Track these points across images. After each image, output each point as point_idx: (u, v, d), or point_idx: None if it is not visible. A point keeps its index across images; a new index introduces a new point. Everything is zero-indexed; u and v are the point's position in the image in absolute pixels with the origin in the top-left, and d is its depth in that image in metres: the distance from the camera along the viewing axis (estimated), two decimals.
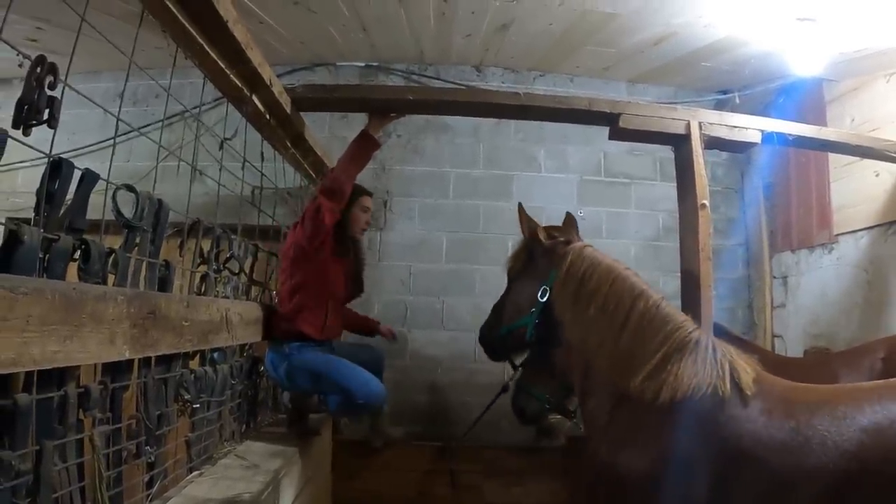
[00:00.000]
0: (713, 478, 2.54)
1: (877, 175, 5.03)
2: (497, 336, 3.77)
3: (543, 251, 3.50)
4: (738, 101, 6.18)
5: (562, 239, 3.50)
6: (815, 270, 5.83)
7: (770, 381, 2.81)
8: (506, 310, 3.71)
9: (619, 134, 4.04)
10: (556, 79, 6.47)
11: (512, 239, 6.06)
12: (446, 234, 6.23)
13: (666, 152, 6.06)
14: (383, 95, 4.05)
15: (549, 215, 6.13)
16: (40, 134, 1.97)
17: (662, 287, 5.98)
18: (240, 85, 3.22)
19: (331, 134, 6.09)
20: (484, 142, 6.46)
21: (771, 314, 6.41)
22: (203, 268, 3.33)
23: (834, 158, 5.54)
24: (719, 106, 6.24)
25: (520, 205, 3.69)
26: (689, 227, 3.88)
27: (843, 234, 5.45)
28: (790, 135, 4.18)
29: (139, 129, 3.05)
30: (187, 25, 2.64)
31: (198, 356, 3.22)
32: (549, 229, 3.60)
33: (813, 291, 5.84)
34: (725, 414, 2.65)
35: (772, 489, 2.34)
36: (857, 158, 5.05)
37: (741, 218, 6.80)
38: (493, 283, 5.77)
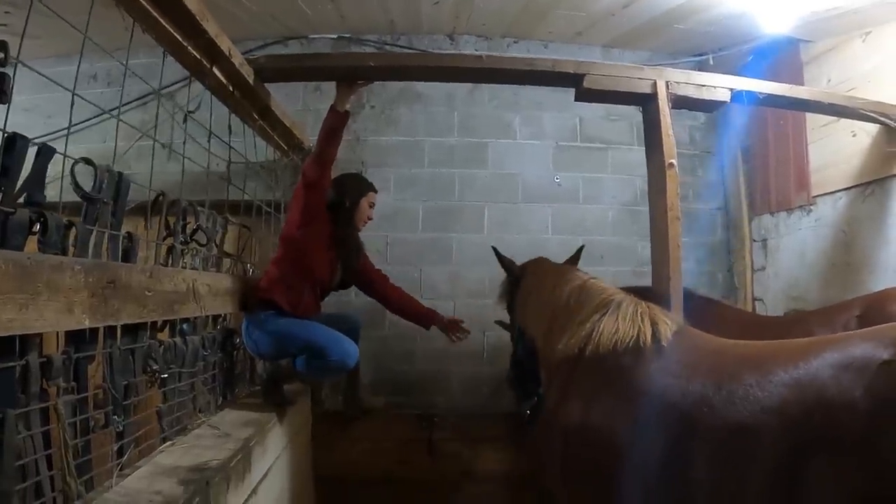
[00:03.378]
0: (636, 427, 2.64)
1: (854, 135, 5.08)
2: (512, 370, 4.34)
3: (513, 279, 4.13)
4: (712, 62, 6.22)
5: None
6: (794, 233, 5.91)
7: (696, 336, 2.93)
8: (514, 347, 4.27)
9: (585, 95, 4.09)
10: (529, 45, 6.51)
11: (488, 206, 6.26)
12: (422, 203, 6.30)
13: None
14: (345, 63, 4.09)
15: (524, 181, 6.27)
16: None
17: (640, 252, 6.15)
18: (199, 57, 3.28)
19: (304, 107, 6.13)
20: (458, 110, 6.51)
21: (751, 277, 6.53)
22: (170, 240, 3.39)
23: (811, 120, 5.60)
24: (695, 69, 6.29)
25: (494, 248, 4.26)
26: (657, 187, 3.99)
27: (821, 195, 5.52)
28: (760, 93, 4.24)
29: (110, 110, 3.10)
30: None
31: (167, 327, 3.29)
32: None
33: (792, 254, 5.92)
34: (647, 366, 2.78)
35: (694, 443, 2.37)
36: (834, 119, 5.13)
37: (720, 181, 6.88)
38: (469, 251, 6.00)
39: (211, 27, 3.10)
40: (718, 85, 4.10)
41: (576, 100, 4.22)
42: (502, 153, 6.45)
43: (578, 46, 6.54)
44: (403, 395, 6.02)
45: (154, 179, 3.15)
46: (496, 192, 6.37)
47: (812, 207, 5.64)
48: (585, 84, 3.96)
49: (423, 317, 4.81)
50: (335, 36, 6.37)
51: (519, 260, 4.20)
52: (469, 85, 6.43)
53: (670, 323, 2.96)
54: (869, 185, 4.96)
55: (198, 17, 2.94)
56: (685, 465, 2.36)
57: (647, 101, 4.06)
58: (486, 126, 6.49)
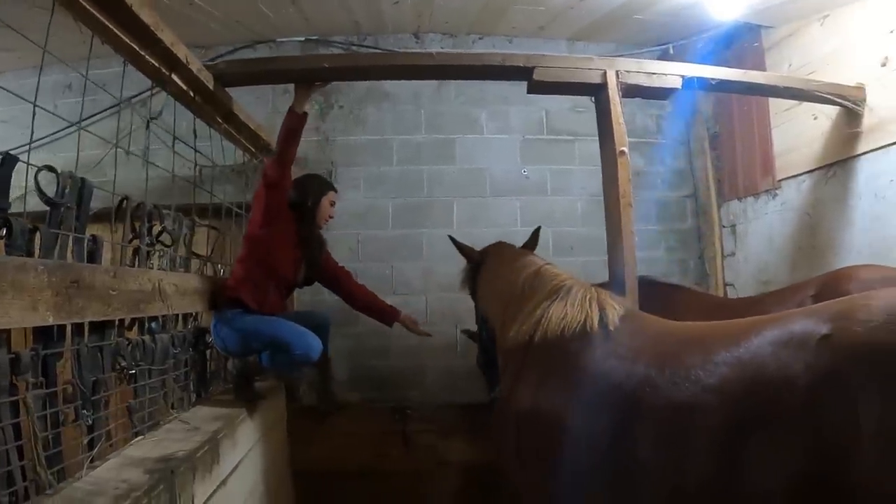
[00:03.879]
0: (583, 411, 2.74)
1: (815, 118, 5.20)
2: (481, 356, 4.51)
3: (474, 265, 4.24)
4: (672, 52, 6.35)
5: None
6: (761, 217, 6.05)
7: (644, 319, 3.04)
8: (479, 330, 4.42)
9: (536, 87, 4.23)
10: (495, 41, 6.66)
11: (457, 201, 6.38)
12: (392, 201, 6.46)
13: None
14: (300, 65, 4.22)
15: (492, 175, 6.40)
16: None
17: None
18: (157, 65, 3.42)
19: (274, 109, 6.23)
20: (425, 107, 6.66)
21: (722, 263, 6.68)
22: (136, 243, 3.52)
23: (774, 104, 5.75)
24: (659, 59, 6.41)
25: (451, 237, 4.35)
26: (610, 175, 4.09)
27: (785, 179, 5.67)
28: (712, 79, 4.37)
29: (77, 122, 3.26)
30: (96, 13, 2.86)
31: (136, 325, 3.43)
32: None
33: (760, 238, 6.07)
34: (593, 351, 2.87)
35: (639, 424, 2.44)
36: (796, 103, 5.28)
37: (689, 169, 7.01)
38: (439, 246, 6.03)
39: (166, 36, 3.24)
40: (669, 72, 4.22)
41: (528, 92, 4.36)
42: (470, 148, 6.60)
43: (543, 41, 6.67)
44: (379, 391, 6.16)
45: (129, 186, 3.35)
46: (465, 187, 6.53)
47: (777, 192, 5.79)
48: (535, 76, 4.09)
49: (387, 314, 4.92)
50: (302, 38, 6.50)
51: None
52: (435, 82, 6.58)
53: (618, 307, 3.06)
54: (831, 168, 5.08)
55: (153, 28, 3.09)
56: (631, 446, 2.44)
57: (598, 91, 4.19)
58: (453, 122, 6.64)
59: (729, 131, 6.55)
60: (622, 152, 4.02)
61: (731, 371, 2.23)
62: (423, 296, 6.15)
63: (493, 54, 4.27)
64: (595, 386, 2.74)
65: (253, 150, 5.36)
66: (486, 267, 4.09)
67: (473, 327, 4.74)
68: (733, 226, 6.51)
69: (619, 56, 5.81)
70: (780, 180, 5.74)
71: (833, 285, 3.88)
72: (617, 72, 4.12)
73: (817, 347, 2.02)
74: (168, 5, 5.05)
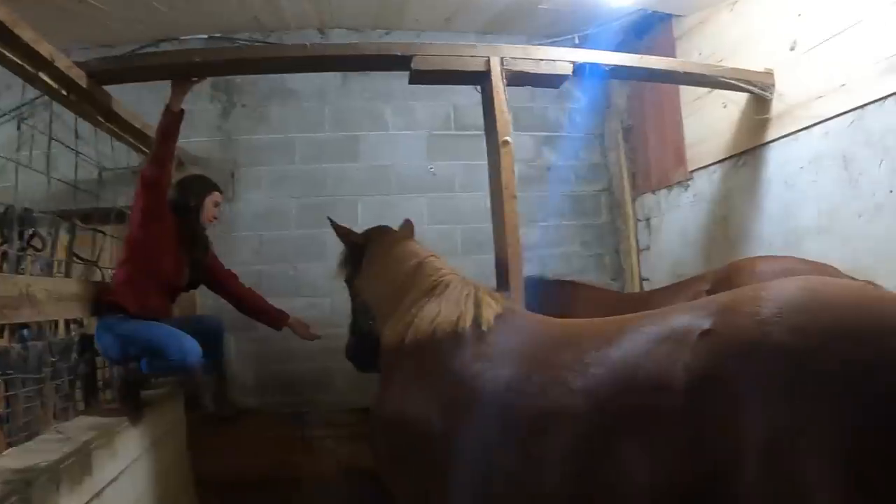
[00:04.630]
0: (449, 417, 2.66)
1: (724, 107, 5.24)
2: (351, 344, 4.38)
3: (354, 250, 4.03)
4: (577, 42, 6.25)
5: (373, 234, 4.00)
6: (674, 210, 6.10)
7: (522, 318, 2.97)
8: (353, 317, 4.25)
9: (418, 77, 4.18)
10: (402, 35, 6.58)
11: (361, 200, 6.34)
12: (295, 201, 6.39)
13: (520, 101, 6.28)
14: (171, 60, 4.10)
15: (398, 173, 6.37)
16: None
17: (523, 239, 6.23)
18: (21, 63, 3.35)
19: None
20: (330, 104, 6.60)
21: (637, 258, 6.72)
22: (5, 247, 3.44)
23: (685, 94, 5.79)
24: None
25: (329, 219, 4.16)
26: (494, 166, 4.09)
27: (697, 170, 5.71)
28: (605, 64, 4.35)
29: None
30: None
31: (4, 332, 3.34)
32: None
33: (674, 231, 6.11)
34: (464, 352, 2.79)
35: (507, 431, 2.38)
36: (706, 92, 5.32)
37: (603, 163, 7.05)
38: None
39: (26, 34, 3.18)
40: (559, 58, 4.19)
41: (410, 83, 4.31)
42: (375, 145, 6.57)
43: (453, 34, 6.62)
44: (286, 395, 6.11)
45: (36, 190, 3.23)
46: (370, 185, 6.49)
47: (690, 183, 5.83)
48: (414, 65, 4.01)
49: (275, 318, 4.91)
50: (206, 37, 6.40)
51: None
52: (340, 78, 6.56)
53: (496, 305, 2.99)
54: (741, 157, 5.12)
55: (8, 25, 3.01)
56: (499, 456, 2.36)
57: (482, 80, 4.14)
58: (359, 119, 6.60)
59: (642, 123, 6.60)
60: (505, 142, 4.01)
61: (601, 372, 2.12)
62: (328, 297, 6.08)
63: (370, 44, 4.29)
64: (461, 391, 2.66)
65: (145, 150, 5.26)
66: (367, 253, 3.91)
67: None
68: (648, 219, 6.56)
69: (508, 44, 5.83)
70: (691, 171, 5.78)
71: (727, 279, 3.82)
72: (502, 58, 4.06)
73: (696, 345, 1.89)
74: (58, 4, 4.97)
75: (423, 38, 6.53)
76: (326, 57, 4.20)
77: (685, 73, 4.68)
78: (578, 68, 4.23)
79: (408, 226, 4.18)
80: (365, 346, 4.03)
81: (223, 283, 4.85)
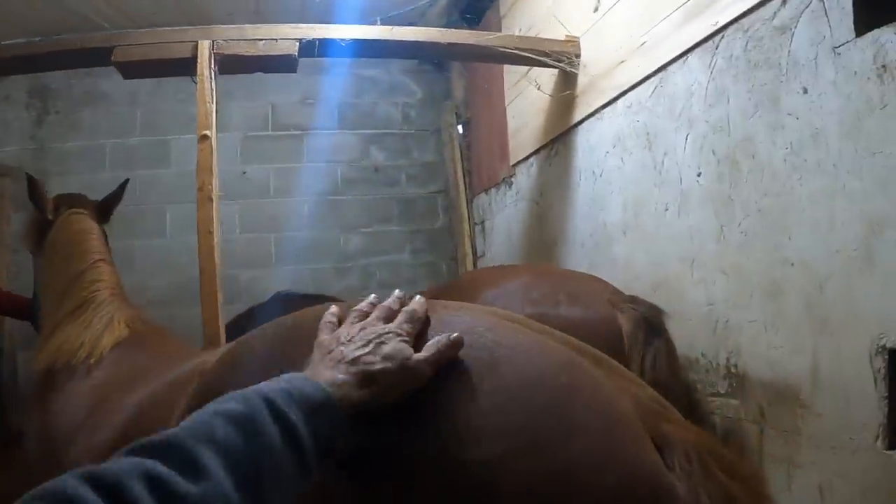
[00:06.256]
0: (48, 460, 2.39)
1: (538, 88, 4.56)
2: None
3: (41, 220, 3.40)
4: (379, 22, 5.65)
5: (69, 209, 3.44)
6: (502, 210, 5.58)
7: (140, 348, 2.64)
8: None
9: (126, 70, 3.69)
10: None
11: (170, 208, 6.11)
12: None
13: (349, 98, 6.24)
14: None
15: None
16: None
17: (343, 246, 5.98)
18: None
19: None
20: (142, 107, 6.30)
21: (475, 264, 6.17)
22: None
23: (508, 78, 5.24)
24: None
25: (27, 174, 3.48)
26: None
27: (518, 163, 5.13)
28: (343, 40, 3.70)
29: None
30: None
31: None
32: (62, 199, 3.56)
33: (502, 234, 5.60)
34: (63, 387, 2.51)
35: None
36: (524, 74, 4.75)
37: (440, 162, 6.66)
38: (154, 257, 5.89)
39: None
40: (281, 36, 3.63)
41: (125, 78, 3.84)
42: (186, 150, 6.09)
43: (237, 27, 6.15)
44: None
45: None
46: (180, 192, 6.10)
47: (513, 179, 5.27)
48: (114, 57, 3.52)
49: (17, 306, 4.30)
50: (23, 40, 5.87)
51: None
52: (153, 80, 6.11)
53: (124, 330, 2.70)
54: (554, 145, 4.48)
55: None
56: None
57: (191, 68, 3.65)
58: (171, 122, 6.28)
59: (477, 116, 6.15)
60: (204, 137, 3.69)
61: (126, 418, 2.00)
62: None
63: (72, 39, 3.83)
64: (56, 432, 2.39)
65: None
66: (50, 235, 3.27)
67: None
68: (483, 222, 6.07)
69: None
70: (513, 165, 5.22)
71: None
72: (213, 42, 3.57)
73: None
74: None
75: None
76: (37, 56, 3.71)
77: (447, 45, 3.94)
78: (306, 46, 3.65)
79: (117, 193, 3.95)
80: None
81: None
